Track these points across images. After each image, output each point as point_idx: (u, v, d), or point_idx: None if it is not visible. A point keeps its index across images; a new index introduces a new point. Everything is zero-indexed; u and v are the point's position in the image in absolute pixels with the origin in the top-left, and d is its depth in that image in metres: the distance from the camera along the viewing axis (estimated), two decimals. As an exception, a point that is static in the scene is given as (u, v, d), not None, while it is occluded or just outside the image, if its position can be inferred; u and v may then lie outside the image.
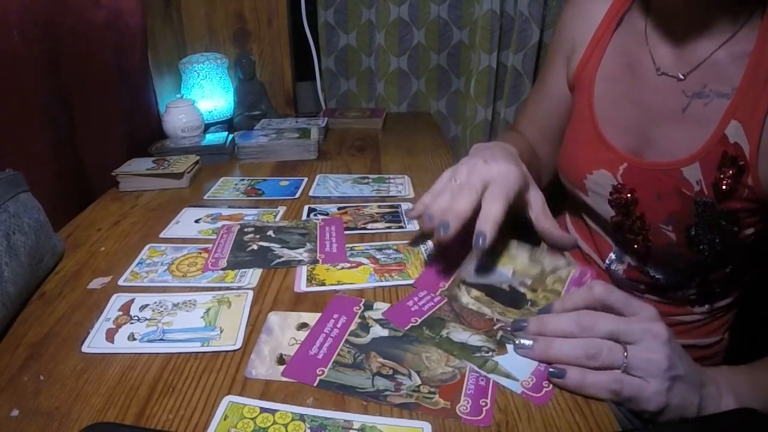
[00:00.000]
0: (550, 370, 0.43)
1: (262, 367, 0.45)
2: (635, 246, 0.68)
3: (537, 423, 0.40)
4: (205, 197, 0.84)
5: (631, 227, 0.68)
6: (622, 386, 0.41)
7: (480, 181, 0.54)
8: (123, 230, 0.73)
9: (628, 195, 0.67)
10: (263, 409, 0.41)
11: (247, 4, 1.34)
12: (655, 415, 0.42)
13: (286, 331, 0.50)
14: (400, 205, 0.79)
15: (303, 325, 0.51)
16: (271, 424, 0.39)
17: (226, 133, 1.08)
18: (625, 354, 0.42)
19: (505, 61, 1.37)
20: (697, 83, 0.62)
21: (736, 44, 0.59)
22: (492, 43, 1.32)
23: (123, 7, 0.98)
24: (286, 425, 0.39)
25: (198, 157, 0.95)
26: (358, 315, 0.52)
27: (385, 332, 0.49)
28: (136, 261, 0.64)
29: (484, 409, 0.41)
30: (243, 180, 0.91)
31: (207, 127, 1.18)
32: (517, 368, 0.45)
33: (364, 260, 0.63)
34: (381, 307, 0.53)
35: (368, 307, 0.53)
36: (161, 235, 0.71)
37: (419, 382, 0.43)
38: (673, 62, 0.65)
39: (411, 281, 0.58)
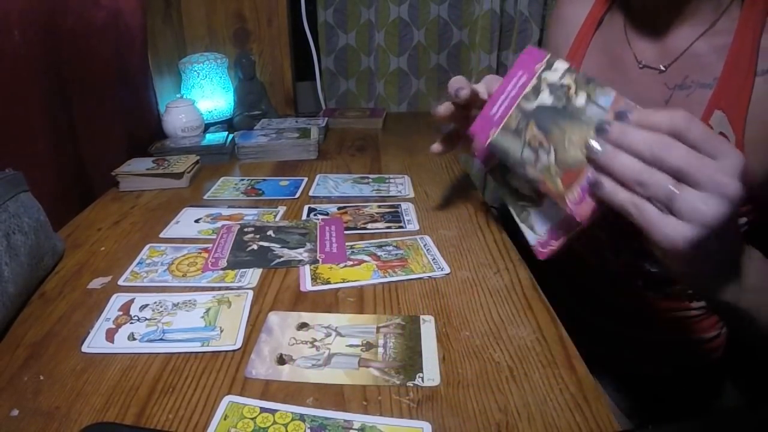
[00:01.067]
0: (591, 182, 0.45)
1: (262, 367, 0.45)
2: (629, 239, 0.69)
3: (537, 423, 0.40)
4: (205, 197, 0.84)
5: (625, 219, 0.68)
6: (639, 212, 0.41)
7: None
8: (123, 230, 0.73)
9: None
10: (263, 409, 0.41)
11: (247, 4, 1.34)
12: (672, 257, 0.44)
13: (286, 330, 0.50)
14: (400, 205, 0.79)
15: (303, 325, 0.51)
16: (271, 424, 0.39)
17: (226, 133, 1.08)
18: (675, 191, 0.39)
19: (505, 61, 1.37)
20: (678, 75, 0.63)
21: (715, 35, 0.60)
22: (492, 43, 1.32)
23: (123, 7, 0.98)
24: (286, 425, 0.39)
25: (198, 157, 0.95)
26: (536, 75, 0.51)
27: (549, 100, 0.50)
28: (136, 261, 0.64)
29: (586, 204, 0.45)
30: (243, 180, 0.91)
31: (207, 127, 1.18)
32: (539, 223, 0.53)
33: (366, 258, 0.63)
34: (560, 67, 0.51)
35: (549, 66, 0.51)
36: (161, 235, 0.71)
37: (553, 162, 0.47)
38: (654, 55, 0.66)
39: (414, 276, 0.58)
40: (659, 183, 0.40)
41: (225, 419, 0.40)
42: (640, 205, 0.41)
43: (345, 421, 0.40)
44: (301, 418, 0.40)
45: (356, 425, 0.39)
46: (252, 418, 0.40)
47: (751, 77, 0.56)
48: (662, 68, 0.64)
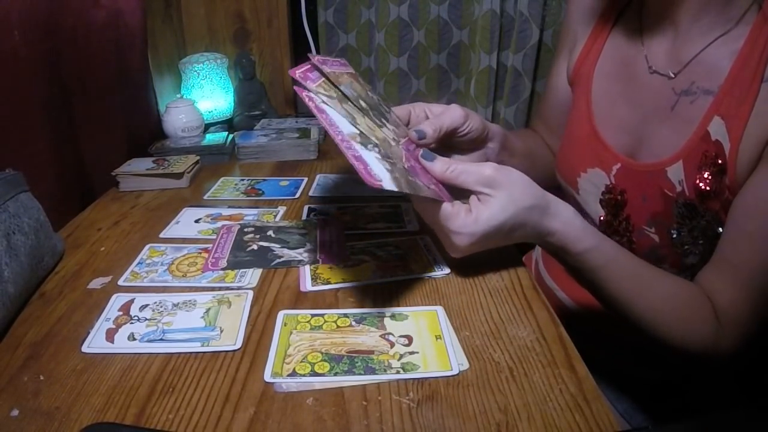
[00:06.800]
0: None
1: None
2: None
3: (537, 423, 0.40)
4: (205, 197, 0.84)
5: (618, 228, 0.67)
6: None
7: None
8: (123, 230, 0.73)
9: (619, 196, 0.66)
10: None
11: (247, 4, 1.34)
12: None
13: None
14: (400, 205, 0.79)
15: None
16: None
17: (226, 133, 1.08)
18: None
19: (505, 61, 1.37)
20: (685, 80, 0.61)
21: (728, 41, 0.58)
22: (492, 43, 1.32)
23: (123, 7, 0.98)
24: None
25: (198, 157, 0.95)
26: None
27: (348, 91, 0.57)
28: (136, 261, 0.64)
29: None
30: (243, 180, 0.91)
31: (207, 127, 1.18)
32: None
33: (366, 258, 0.63)
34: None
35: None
36: (161, 235, 0.71)
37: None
38: (665, 60, 0.64)
39: (414, 276, 0.58)
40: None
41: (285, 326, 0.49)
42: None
43: (378, 312, 0.52)
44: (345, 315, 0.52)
45: (388, 314, 0.52)
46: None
47: (756, 84, 0.53)
48: (672, 75, 0.62)
